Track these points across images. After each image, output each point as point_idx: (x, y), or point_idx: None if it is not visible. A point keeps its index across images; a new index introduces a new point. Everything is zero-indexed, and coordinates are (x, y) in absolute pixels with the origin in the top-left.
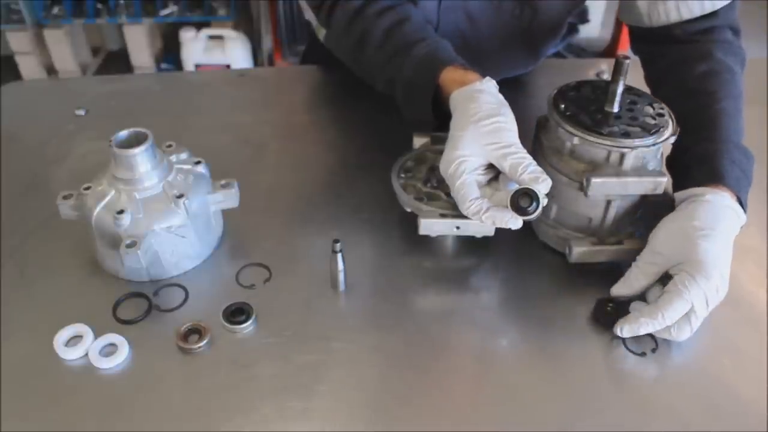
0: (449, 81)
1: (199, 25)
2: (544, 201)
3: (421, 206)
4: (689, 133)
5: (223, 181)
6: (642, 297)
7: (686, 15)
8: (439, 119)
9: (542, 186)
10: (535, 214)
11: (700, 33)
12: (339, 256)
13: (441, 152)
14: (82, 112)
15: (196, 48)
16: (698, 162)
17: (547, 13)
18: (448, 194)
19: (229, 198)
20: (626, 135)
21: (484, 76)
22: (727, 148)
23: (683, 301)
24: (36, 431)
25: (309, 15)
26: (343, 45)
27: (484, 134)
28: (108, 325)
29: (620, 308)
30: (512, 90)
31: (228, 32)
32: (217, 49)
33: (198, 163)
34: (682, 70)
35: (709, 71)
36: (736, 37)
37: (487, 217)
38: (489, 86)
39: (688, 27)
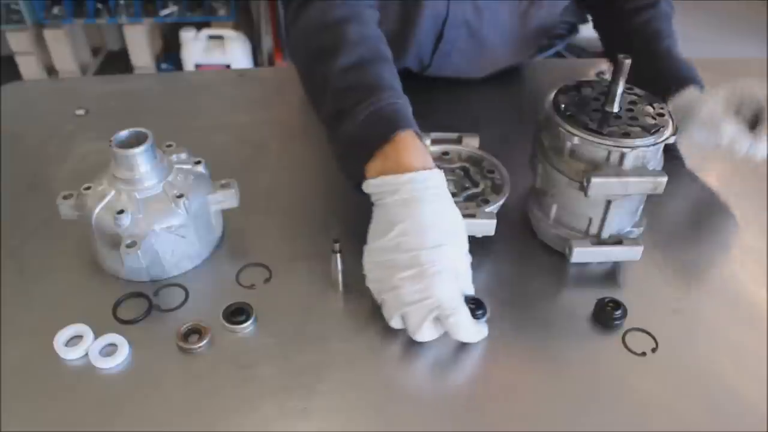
0: (400, 149)
1: (199, 25)
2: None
3: None
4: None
5: (223, 181)
6: None
7: None
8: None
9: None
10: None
11: None
12: (339, 256)
13: (441, 152)
14: (82, 112)
15: (196, 48)
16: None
17: (548, 7)
18: None
19: (229, 198)
20: (626, 135)
21: (480, 76)
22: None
23: None
24: (36, 431)
25: None
26: (305, 47)
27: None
28: (108, 325)
29: (620, 308)
30: (513, 89)
31: (228, 32)
32: (217, 49)
33: (198, 163)
34: (630, 17)
35: (654, 16)
36: None
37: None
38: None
39: None
